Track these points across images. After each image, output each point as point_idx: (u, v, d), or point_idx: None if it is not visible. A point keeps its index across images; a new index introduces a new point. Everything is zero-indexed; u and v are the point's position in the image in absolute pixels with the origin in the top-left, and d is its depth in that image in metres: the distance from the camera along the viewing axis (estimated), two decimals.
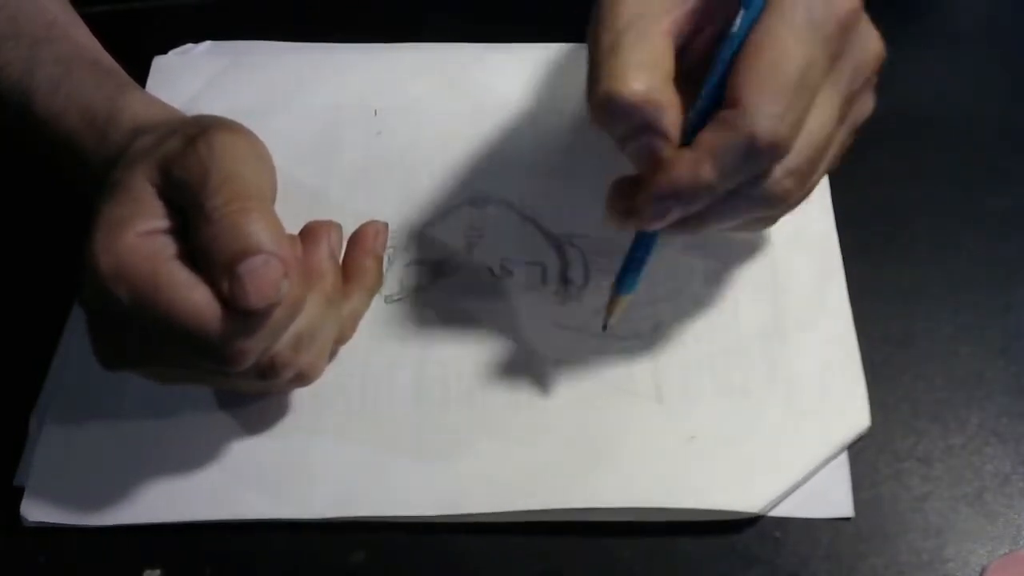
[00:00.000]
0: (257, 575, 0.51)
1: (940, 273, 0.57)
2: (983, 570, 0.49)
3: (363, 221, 0.59)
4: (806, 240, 0.58)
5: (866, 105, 0.50)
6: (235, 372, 0.48)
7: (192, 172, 0.47)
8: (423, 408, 0.54)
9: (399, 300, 0.57)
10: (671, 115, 0.45)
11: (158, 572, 0.51)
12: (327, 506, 0.51)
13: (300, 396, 0.54)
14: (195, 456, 0.53)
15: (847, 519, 0.51)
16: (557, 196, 0.60)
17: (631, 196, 0.47)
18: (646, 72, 0.45)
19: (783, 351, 0.54)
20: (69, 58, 0.55)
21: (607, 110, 0.45)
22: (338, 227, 0.54)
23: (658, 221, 0.47)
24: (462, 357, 0.55)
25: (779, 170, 0.46)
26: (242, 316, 0.46)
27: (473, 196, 0.60)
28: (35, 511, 0.51)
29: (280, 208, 0.58)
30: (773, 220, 0.51)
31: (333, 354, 0.55)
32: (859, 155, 0.61)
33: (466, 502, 0.51)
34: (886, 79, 0.64)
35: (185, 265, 0.47)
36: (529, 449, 0.52)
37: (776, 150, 0.44)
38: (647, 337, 0.55)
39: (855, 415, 0.53)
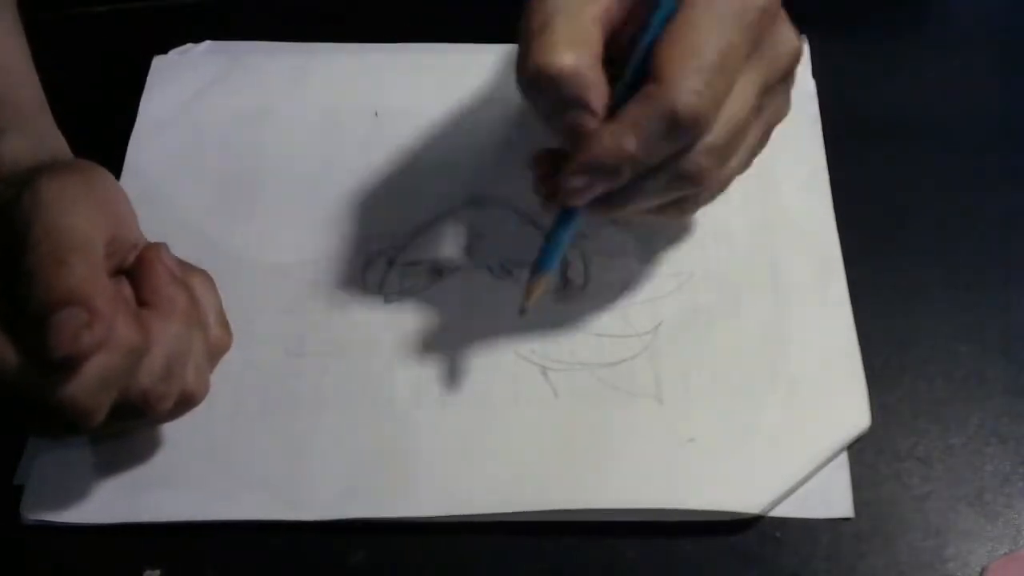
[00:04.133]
0: (257, 575, 0.51)
1: (940, 273, 0.57)
2: (983, 570, 0.49)
3: (363, 221, 0.59)
4: (806, 240, 0.58)
5: (783, 106, 0.51)
6: (92, 425, 0.46)
7: (17, 225, 0.46)
8: (423, 408, 0.54)
9: (399, 300, 0.57)
10: (598, 91, 0.47)
11: (158, 572, 0.51)
12: (327, 507, 0.51)
13: (300, 396, 0.54)
14: (195, 456, 0.53)
15: (847, 519, 0.51)
16: None
17: (554, 173, 0.49)
18: (575, 49, 0.47)
19: (783, 351, 0.54)
20: None
21: (537, 83, 0.47)
22: (164, 246, 0.51)
23: (582, 196, 0.48)
24: (462, 357, 0.55)
25: (699, 147, 0.47)
26: (64, 372, 0.44)
27: (473, 196, 0.60)
28: (35, 510, 0.51)
29: (279, 208, 0.59)
30: (692, 207, 0.52)
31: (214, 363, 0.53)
32: (859, 155, 0.61)
33: (466, 502, 0.51)
34: (886, 79, 0.65)
35: (2, 324, 0.45)
36: (529, 449, 0.52)
37: (697, 124, 0.46)
38: (647, 337, 0.55)
39: (855, 415, 0.53)
